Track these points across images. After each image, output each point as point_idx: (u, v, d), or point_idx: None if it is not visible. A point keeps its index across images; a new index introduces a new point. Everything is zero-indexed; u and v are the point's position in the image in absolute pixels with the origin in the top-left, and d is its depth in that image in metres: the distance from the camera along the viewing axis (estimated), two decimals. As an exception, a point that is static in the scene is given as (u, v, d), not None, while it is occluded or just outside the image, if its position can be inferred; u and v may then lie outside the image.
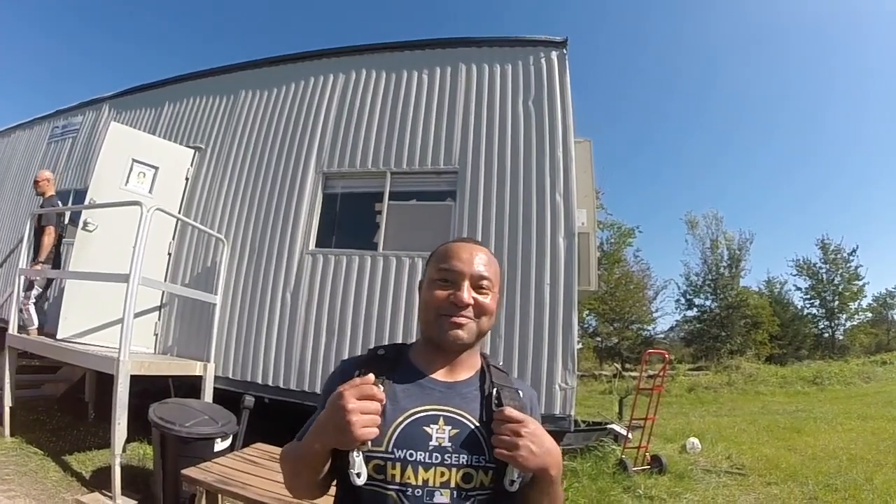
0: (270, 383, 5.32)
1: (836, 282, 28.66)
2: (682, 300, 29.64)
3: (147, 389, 4.96)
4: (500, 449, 0.89)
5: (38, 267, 5.33)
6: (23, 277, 5.28)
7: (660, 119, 61.68)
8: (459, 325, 1.00)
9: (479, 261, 1.05)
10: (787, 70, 57.56)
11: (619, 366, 21.52)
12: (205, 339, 5.49)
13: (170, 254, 6.12)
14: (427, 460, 0.92)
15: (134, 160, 5.80)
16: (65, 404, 5.82)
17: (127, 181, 5.73)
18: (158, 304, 5.91)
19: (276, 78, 6.63)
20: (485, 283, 1.04)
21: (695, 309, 29.18)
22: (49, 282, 5.80)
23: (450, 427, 0.96)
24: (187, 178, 6.42)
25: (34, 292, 5.43)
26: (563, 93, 5.49)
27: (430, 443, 0.94)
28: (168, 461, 3.62)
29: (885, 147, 51.35)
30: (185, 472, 3.08)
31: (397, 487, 0.91)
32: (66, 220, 6.14)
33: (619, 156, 53.76)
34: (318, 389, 5.07)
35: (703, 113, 60.89)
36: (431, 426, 0.96)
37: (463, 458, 0.94)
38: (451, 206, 5.49)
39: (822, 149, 56.23)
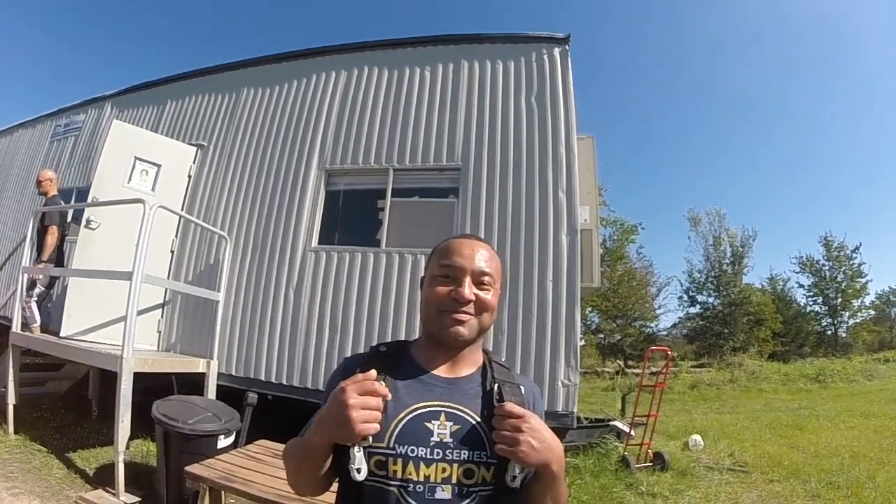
0: (273, 380, 5.34)
1: (839, 279, 28.54)
2: (685, 297, 29.61)
3: (150, 387, 4.96)
4: (501, 444, 0.89)
5: (41, 266, 5.35)
6: (26, 276, 5.30)
7: (660, 119, 61.42)
8: (460, 322, 1.00)
9: (481, 257, 1.04)
10: (787, 70, 57.32)
11: (621, 363, 21.48)
12: (208, 336, 5.51)
13: (173, 251, 6.13)
14: (428, 456, 0.92)
15: (136, 158, 5.81)
16: (68, 402, 5.85)
17: (129, 179, 5.74)
18: (161, 301, 5.93)
19: (278, 75, 6.63)
20: (486, 279, 1.03)
21: (697, 306, 29.15)
22: (52, 282, 5.82)
23: (451, 423, 0.96)
24: (190, 176, 6.43)
25: (36, 291, 5.44)
26: (565, 89, 5.48)
27: (432, 439, 0.94)
28: (171, 458, 3.64)
29: (886, 146, 51.11)
30: (188, 468, 3.10)
31: (399, 483, 0.91)
32: (70, 219, 6.15)
33: (620, 156, 53.65)
34: (321, 386, 5.08)
35: (703, 113, 60.55)
36: (433, 422, 0.95)
37: (464, 453, 0.93)
38: (453, 203, 5.49)
39: (823, 148, 56.00)
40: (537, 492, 0.97)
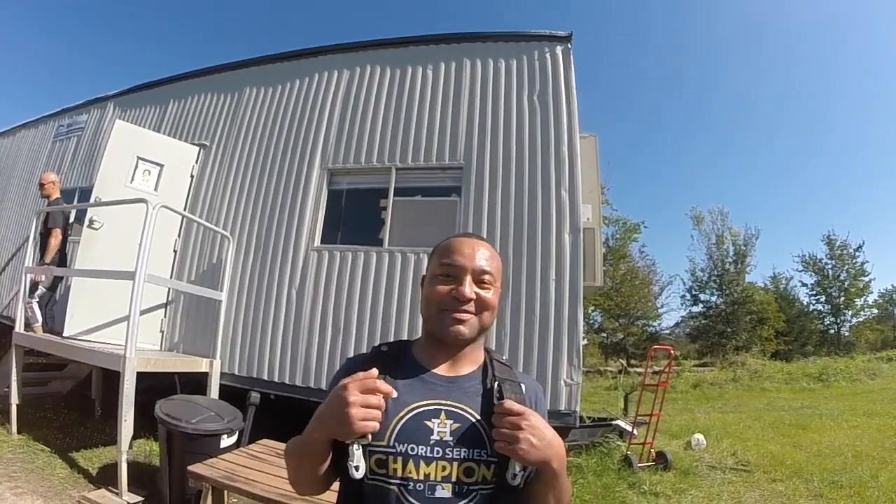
0: (276, 380, 5.34)
1: (841, 278, 28.40)
2: (688, 296, 29.50)
3: (153, 386, 4.98)
4: (500, 442, 0.89)
5: (44, 267, 5.37)
6: (28, 276, 5.32)
7: (660, 119, 61.24)
8: (461, 321, 1.00)
9: (481, 256, 1.04)
10: (788, 70, 57.16)
11: (624, 362, 21.40)
12: (210, 335, 5.51)
13: (175, 251, 6.14)
14: (428, 454, 0.92)
15: (139, 158, 5.82)
16: (71, 401, 5.86)
17: (132, 179, 5.75)
18: (164, 301, 5.94)
19: (280, 75, 6.63)
20: (487, 277, 1.03)
21: (700, 305, 29.03)
22: (56, 284, 5.83)
23: (451, 421, 0.96)
24: (192, 176, 6.44)
25: (38, 293, 5.46)
26: (568, 88, 5.47)
27: (432, 437, 0.94)
28: (174, 457, 3.64)
29: (887, 145, 50.87)
30: (191, 468, 3.10)
31: (399, 482, 0.91)
32: (72, 219, 6.16)
33: (621, 155, 53.52)
34: (324, 385, 5.08)
35: (704, 113, 60.36)
36: (433, 420, 0.95)
37: (464, 452, 0.93)
38: (456, 202, 5.49)
39: (824, 148, 55.78)
40: (539, 489, 0.96)
